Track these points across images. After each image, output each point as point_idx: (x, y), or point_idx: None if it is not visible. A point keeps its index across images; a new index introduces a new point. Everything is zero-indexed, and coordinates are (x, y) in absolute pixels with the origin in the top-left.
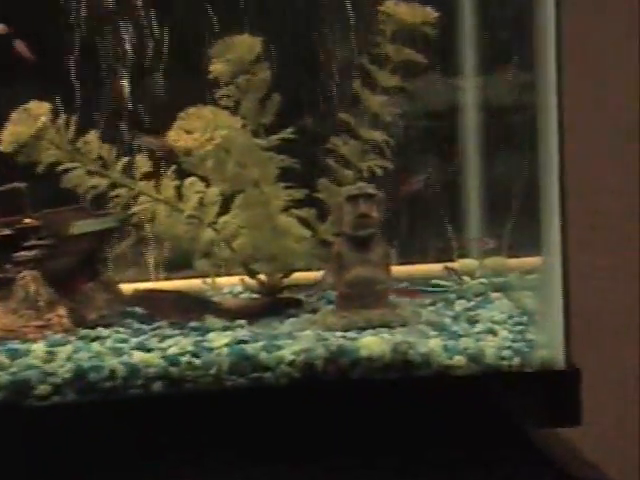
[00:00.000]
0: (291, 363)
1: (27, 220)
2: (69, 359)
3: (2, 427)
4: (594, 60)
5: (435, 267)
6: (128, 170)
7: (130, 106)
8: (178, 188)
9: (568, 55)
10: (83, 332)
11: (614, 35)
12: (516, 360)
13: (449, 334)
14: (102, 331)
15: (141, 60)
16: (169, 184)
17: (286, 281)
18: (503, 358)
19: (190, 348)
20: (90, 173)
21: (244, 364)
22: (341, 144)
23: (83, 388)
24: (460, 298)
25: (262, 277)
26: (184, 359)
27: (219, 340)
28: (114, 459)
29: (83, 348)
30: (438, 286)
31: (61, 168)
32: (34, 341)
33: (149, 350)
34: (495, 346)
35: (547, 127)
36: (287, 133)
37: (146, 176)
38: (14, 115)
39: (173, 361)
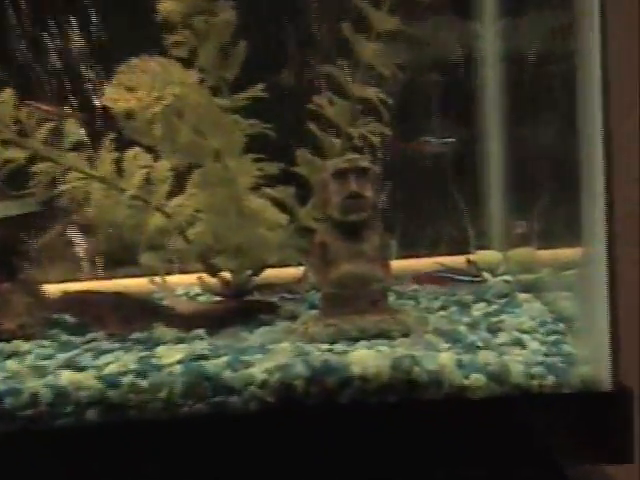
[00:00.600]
0: (263, 384)
1: None
2: None
3: None
4: None
5: (445, 261)
6: (54, 139)
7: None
8: (118, 162)
9: None
10: None
11: None
12: (550, 379)
13: (465, 346)
14: (21, 345)
15: None
16: (106, 157)
17: (257, 280)
18: (533, 376)
19: (134, 366)
20: (4, 143)
21: (203, 385)
22: (326, 104)
23: None
24: (479, 300)
25: (226, 275)
26: (126, 380)
27: (171, 356)
28: None
29: None
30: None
31: None
32: None
33: (81, 369)
34: (523, 361)
35: (588, 82)
36: (257, 91)
37: (77, 147)
38: None
39: (112, 382)
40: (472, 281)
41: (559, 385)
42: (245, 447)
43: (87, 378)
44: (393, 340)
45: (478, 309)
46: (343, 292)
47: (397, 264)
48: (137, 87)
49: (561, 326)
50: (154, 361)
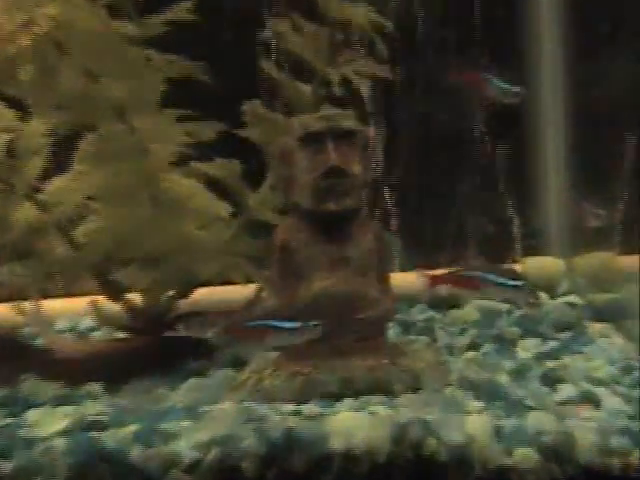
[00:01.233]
0: (193, 467)
1: None
2: None
3: None
4: None
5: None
6: None
7: None
8: None
9: None
10: None
11: None
12: (637, 455)
13: (507, 406)
14: None
15: None
16: None
17: (182, 304)
18: (612, 451)
19: None
20: None
21: (100, 468)
22: (289, 32)
23: None
24: (530, 334)
25: (134, 297)
26: None
27: (50, 424)
28: None
29: None
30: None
31: None
32: None
33: None
34: (596, 428)
35: None
36: (181, 11)
37: None
38: None
39: None
40: (514, 286)
41: None
42: None
43: None
44: (395, 397)
45: (528, 348)
46: (317, 322)
47: (403, 278)
48: None
49: None
50: (23, 432)
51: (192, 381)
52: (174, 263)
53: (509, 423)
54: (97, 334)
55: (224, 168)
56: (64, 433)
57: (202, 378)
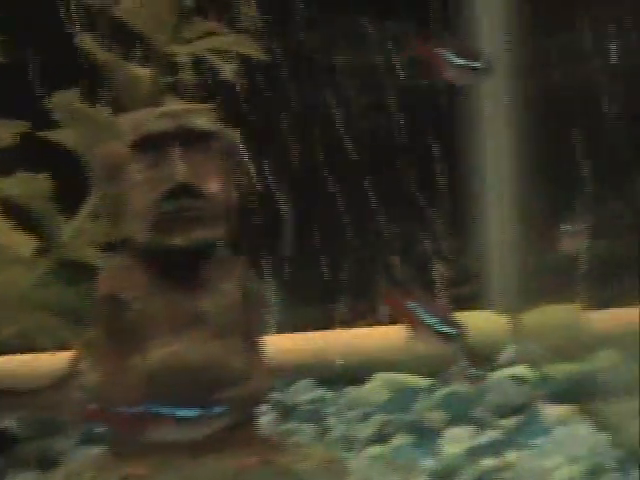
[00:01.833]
0: None
1: None
2: None
3: None
4: None
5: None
6: None
7: None
8: None
9: None
10: None
11: None
12: None
13: None
14: None
15: None
16: None
17: None
18: None
19: None
20: None
21: None
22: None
23: None
24: (460, 421)
25: None
26: None
27: None
28: None
29: None
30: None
31: None
32: None
33: None
34: None
35: None
36: None
37: None
38: None
39: None
40: (454, 335)
41: None
42: None
43: None
44: None
45: (458, 440)
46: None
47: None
48: None
49: (637, 476)
50: None
51: None
52: None
53: None
54: None
55: (26, 185)
56: None
57: None
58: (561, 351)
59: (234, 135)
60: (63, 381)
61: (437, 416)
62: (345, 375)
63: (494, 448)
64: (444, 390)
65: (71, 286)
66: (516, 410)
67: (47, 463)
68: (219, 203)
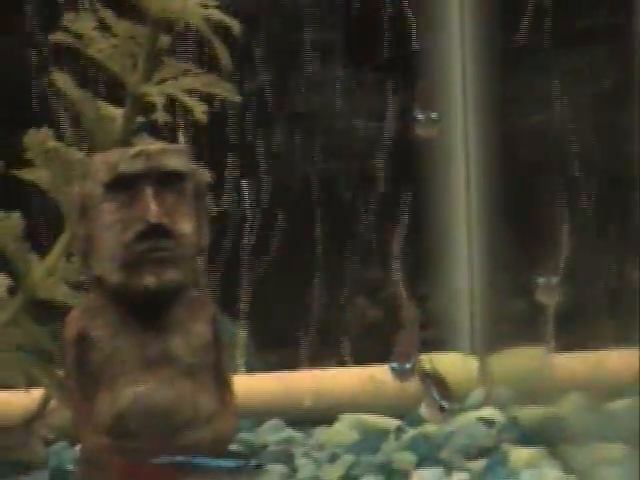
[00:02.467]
0: None
1: None
2: None
3: None
4: None
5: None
6: None
7: None
8: None
9: None
10: None
11: None
12: None
13: None
14: None
15: None
16: None
17: None
18: None
19: None
20: None
21: None
22: (90, 31)
23: None
24: (426, 462)
25: None
26: None
27: None
28: None
29: None
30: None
31: None
32: None
33: None
34: None
35: None
36: None
37: None
38: None
39: None
40: (451, 411)
41: None
42: None
43: None
44: None
45: None
46: (128, 448)
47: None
48: None
49: None
50: None
51: None
52: None
53: None
54: None
55: None
56: None
57: None
58: (529, 394)
59: (204, 176)
60: (32, 420)
61: (405, 457)
62: (313, 416)
63: None
64: (412, 431)
65: (41, 325)
66: (484, 452)
67: None
68: (190, 244)
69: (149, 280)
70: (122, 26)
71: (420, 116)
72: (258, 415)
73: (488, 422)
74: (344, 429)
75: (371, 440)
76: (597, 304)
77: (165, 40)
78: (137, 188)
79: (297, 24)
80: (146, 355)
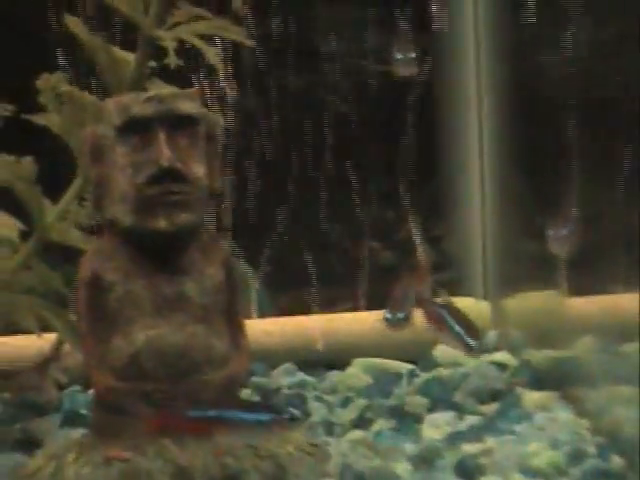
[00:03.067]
0: None
1: None
2: None
3: None
4: None
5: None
6: None
7: None
8: None
9: None
10: None
11: None
12: None
13: None
14: None
15: None
16: None
17: None
18: None
19: None
20: None
21: None
22: None
23: None
24: (438, 406)
25: None
26: None
27: None
28: None
29: None
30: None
31: None
32: None
33: None
34: None
35: None
36: None
37: None
38: None
39: None
40: (475, 347)
41: None
42: None
43: None
44: None
45: (438, 425)
46: (141, 389)
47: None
48: None
49: (617, 461)
50: None
51: None
52: None
53: None
54: None
55: (11, 169)
56: None
57: None
58: (542, 337)
59: (218, 120)
60: (45, 363)
61: (418, 401)
62: (326, 360)
63: (474, 433)
64: (425, 375)
65: (54, 268)
66: (497, 396)
67: (29, 445)
68: (202, 187)
69: (162, 223)
70: None
71: (399, 56)
72: (271, 359)
73: (501, 365)
74: (357, 373)
75: (384, 384)
76: (611, 246)
77: None
78: (150, 132)
79: None
80: (159, 297)
